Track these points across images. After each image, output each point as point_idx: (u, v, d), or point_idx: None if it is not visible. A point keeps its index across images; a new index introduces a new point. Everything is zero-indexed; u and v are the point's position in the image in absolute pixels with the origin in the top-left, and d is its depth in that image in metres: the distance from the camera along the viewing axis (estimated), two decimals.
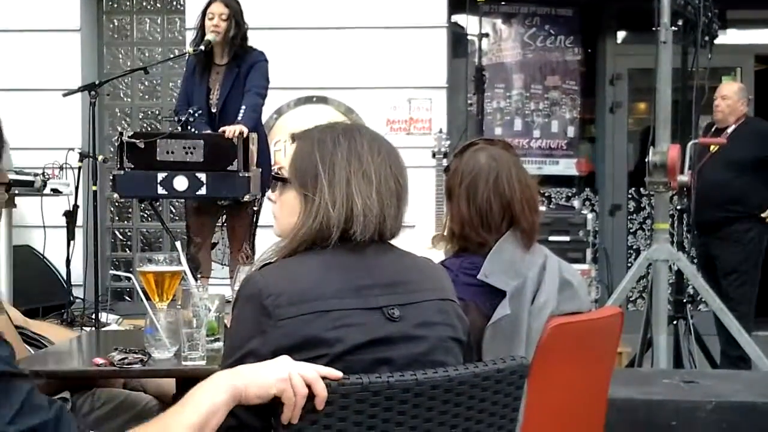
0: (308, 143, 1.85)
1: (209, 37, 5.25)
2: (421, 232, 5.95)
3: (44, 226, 5.72)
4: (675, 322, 5.00)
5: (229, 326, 1.86)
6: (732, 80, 7.20)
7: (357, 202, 1.77)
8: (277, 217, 1.91)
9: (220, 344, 2.61)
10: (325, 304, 1.69)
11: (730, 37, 7.52)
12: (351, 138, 1.84)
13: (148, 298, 2.74)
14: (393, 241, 1.86)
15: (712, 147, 5.78)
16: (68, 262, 5.53)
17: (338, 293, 1.71)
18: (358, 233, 1.77)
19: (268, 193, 1.97)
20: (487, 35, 7.21)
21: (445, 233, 2.56)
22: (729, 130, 5.84)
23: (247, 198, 5.03)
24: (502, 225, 2.43)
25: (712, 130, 6.00)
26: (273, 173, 1.95)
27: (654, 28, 4.46)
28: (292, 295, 1.69)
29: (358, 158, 1.81)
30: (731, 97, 5.88)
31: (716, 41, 5.27)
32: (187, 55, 5.47)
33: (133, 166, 5.01)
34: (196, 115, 5.20)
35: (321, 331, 1.67)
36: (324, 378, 1.58)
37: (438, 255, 2.49)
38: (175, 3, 7.47)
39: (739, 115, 5.90)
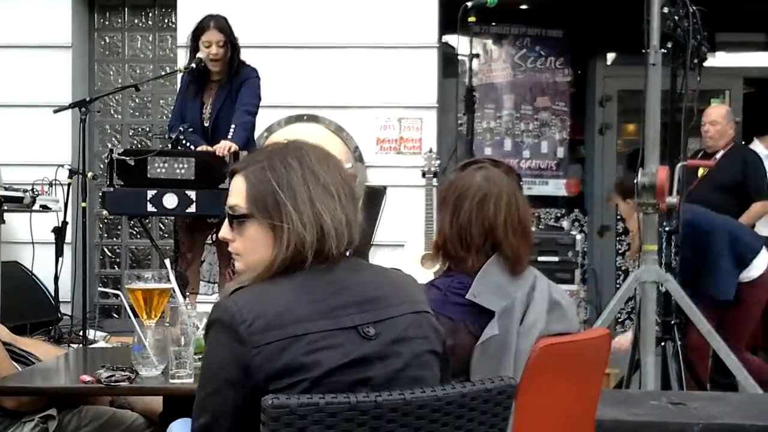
0: (258, 172, 1.80)
1: (201, 55, 5.25)
2: (410, 251, 5.97)
3: (33, 242, 5.72)
4: (663, 344, 4.99)
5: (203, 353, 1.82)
6: (720, 103, 7.23)
7: (325, 218, 1.75)
8: (242, 254, 1.85)
9: None
10: (299, 328, 1.66)
11: (719, 59, 7.56)
12: (299, 156, 1.81)
13: (136, 316, 2.73)
14: (378, 260, 1.85)
15: (700, 171, 5.80)
16: (56, 278, 5.52)
17: (312, 315, 1.69)
18: (334, 248, 1.75)
19: (223, 232, 1.87)
20: (477, 56, 7.23)
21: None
22: (718, 156, 5.85)
23: None
24: (484, 247, 2.41)
25: (699, 155, 6.01)
26: (228, 213, 1.85)
27: (644, 51, 4.47)
28: (265, 320, 1.66)
29: (313, 174, 1.79)
30: (720, 122, 5.92)
31: (705, 64, 5.29)
32: (178, 72, 5.50)
33: (123, 183, 5.02)
34: (186, 134, 5.21)
35: (298, 356, 1.65)
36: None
37: (426, 274, 2.50)
38: (166, 20, 7.48)
39: (728, 139, 5.93)
